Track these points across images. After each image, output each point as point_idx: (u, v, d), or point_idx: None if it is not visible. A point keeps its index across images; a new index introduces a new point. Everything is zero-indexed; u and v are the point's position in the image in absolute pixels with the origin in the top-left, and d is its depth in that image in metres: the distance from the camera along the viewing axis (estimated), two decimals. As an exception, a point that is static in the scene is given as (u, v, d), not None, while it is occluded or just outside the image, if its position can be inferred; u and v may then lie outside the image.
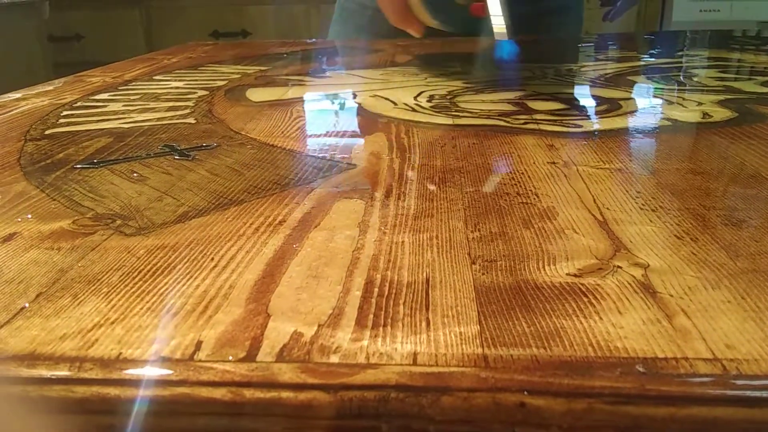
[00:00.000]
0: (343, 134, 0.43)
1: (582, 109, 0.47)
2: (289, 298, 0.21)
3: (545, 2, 0.92)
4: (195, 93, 0.58)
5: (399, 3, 0.62)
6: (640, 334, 0.18)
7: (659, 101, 0.47)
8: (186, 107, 0.52)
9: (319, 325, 0.19)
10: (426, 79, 0.63)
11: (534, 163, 0.35)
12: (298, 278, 0.22)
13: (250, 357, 0.18)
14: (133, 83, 0.65)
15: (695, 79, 0.58)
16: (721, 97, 0.49)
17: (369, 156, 0.37)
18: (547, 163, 0.35)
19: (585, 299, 0.20)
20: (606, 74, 0.61)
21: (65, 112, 0.52)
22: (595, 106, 0.48)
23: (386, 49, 0.89)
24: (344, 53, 0.91)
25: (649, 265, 0.22)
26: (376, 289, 0.21)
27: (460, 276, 0.22)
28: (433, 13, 0.61)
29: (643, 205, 0.28)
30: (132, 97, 0.57)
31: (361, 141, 0.41)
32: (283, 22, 2.04)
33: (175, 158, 0.38)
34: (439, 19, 0.61)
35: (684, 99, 0.48)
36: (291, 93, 0.58)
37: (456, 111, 0.49)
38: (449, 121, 0.46)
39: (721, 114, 0.44)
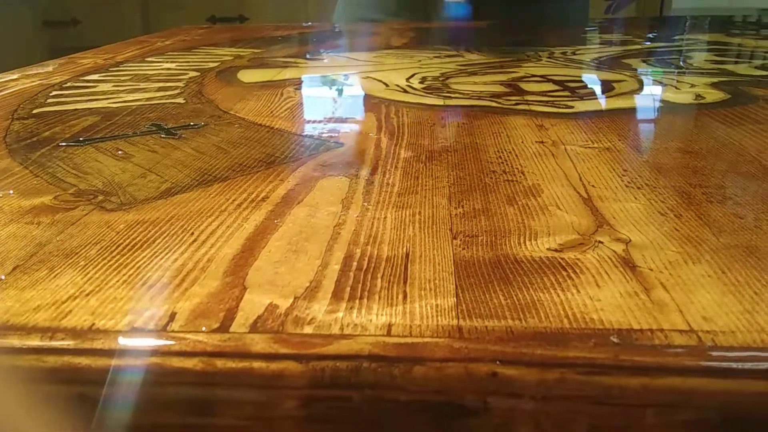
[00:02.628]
0: (332, 114, 0.42)
1: (574, 91, 0.47)
2: (267, 272, 0.21)
3: None
4: (186, 74, 0.58)
5: None
6: (616, 307, 0.18)
7: (653, 83, 0.47)
8: (176, 87, 0.52)
9: (295, 298, 0.19)
10: (420, 61, 0.62)
11: (522, 142, 0.35)
12: (278, 252, 0.22)
13: (224, 328, 0.17)
14: (125, 65, 0.65)
15: (690, 62, 0.57)
16: (715, 80, 0.49)
17: (357, 135, 0.37)
18: (536, 142, 0.35)
19: (564, 273, 0.20)
20: (601, 57, 0.60)
21: (54, 92, 0.51)
22: (588, 88, 0.47)
23: (382, 32, 0.89)
24: (339, 36, 0.90)
25: (630, 241, 0.22)
26: (355, 263, 0.21)
27: (440, 251, 0.22)
28: None
29: (629, 182, 0.28)
30: (122, 78, 0.57)
31: (350, 120, 0.41)
32: (280, 7, 2.03)
33: (161, 137, 0.38)
34: None
35: (678, 81, 0.47)
36: (283, 74, 0.57)
37: (448, 92, 0.48)
38: (440, 101, 0.45)
39: (713, 96, 0.44)
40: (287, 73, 0.58)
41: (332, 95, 0.50)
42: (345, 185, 0.29)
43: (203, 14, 2.08)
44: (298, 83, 0.54)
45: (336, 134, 0.37)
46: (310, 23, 1.04)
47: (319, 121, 0.41)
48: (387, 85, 0.51)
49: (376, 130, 0.38)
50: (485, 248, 0.22)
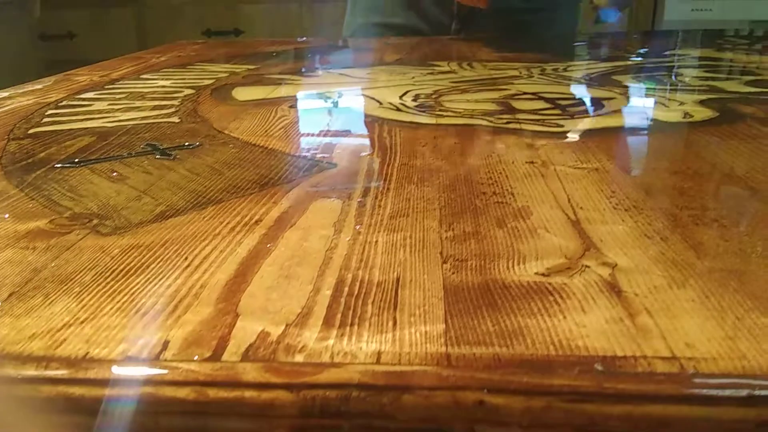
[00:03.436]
0: (326, 133, 0.43)
1: (564, 109, 0.47)
2: (259, 298, 0.21)
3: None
4: (181, 92, 0.58)
5: None
6: (601, 333, 0.18)
7: (642, 101, 0.48)
8: (171, 106, 0.52)
9: (286, 325, 0.19)
10: (413, 78, 0.63)
11: (513, 162, 0.35)
12: (270, 278, 0.22)
13: (216, 356, 0.18)
14: (120, 82, 0.65)
15: (680, 78, 0.58)
16: (704, 97, 0.49)
17: (350, 155, 0.38)
18: (526, 162, 0.35)
19: (551, 298, 0.20)
20: (592, 74, 0.61)
21: (50, 111, 0.52)
22: (578, 106, 0.48)
23: (376, 47, 0.90)
24: (333, 52, 0.91)
25: (617, 265, 0.23)
26: (347, 289, 0.22)
27: (431, 275, 0.22)
28: None
29: (617, 204, 0.29)
30: (118, 96, 0.57)
31: (343, 140, 0.41)
32: (276, 21, 2.04)
33: (156, 157, 0.38)
34: None
35: (667, 99, 0.48)
36: (277, 92, 0.58)
37: (440, 110, 0.49)
38: (432, 120, 0.46)
39: (702, 114, 0.44)
40: (282, 91, 0.59)
41: (326, 114, 0.50)
42: (338, 207, 0.29)
43: (198, 28, 2.09)
44: (292, 101, 0.54)
45: (329, 154, 0.38)
46: (304, 38, 1.05)
47: (313, 141, 0.41)
48: (380, 102, 0.52)
49: (369, 150, 0.38)
50: (474, 273, 0.22)
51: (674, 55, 0.72)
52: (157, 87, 0.61)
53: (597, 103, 0.48)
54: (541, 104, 0.49)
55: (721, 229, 0.26)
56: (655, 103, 0.47)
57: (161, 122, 0.47)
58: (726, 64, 0.65)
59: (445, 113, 0.48)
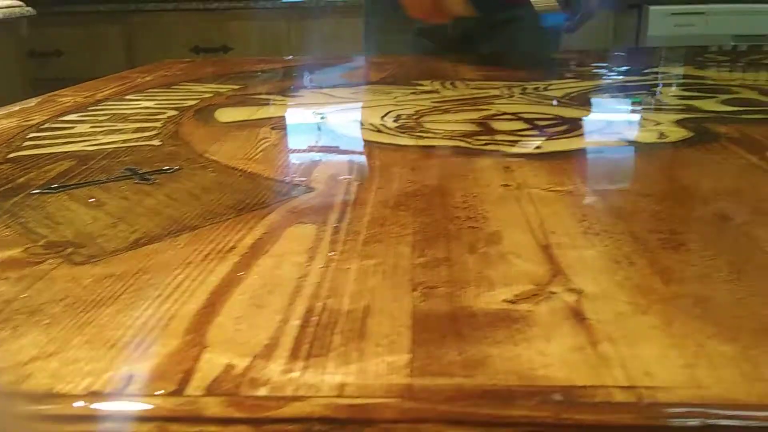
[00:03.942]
0: (306, 156, 0.43)
1: (542, 130, 0.48)
2: (227, 329, 0.21)
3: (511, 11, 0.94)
4: (164, 113, 0.59)
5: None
6: (563, 362, 0.19)
7: (619, 121, 0.48)
8: (153, 128, 0.53)
9: (253, 357, 0.19)
10: (396, 98, 0.63)
11: (488, 185, 0.35)
12: (240, 307, 0.23)
13: (179, 391, 0.18)
14: (104, 103, 0.65)
15: (658, 97, 0.59)
16: (680, 117, 0.50)
17: (328, 179, 0.38)
18: (501, 185, 0.35)
19: (516, 326, 0.21)
20: (572, 93, 0.62)
21: (31, 134, 0.52)
22: (556, 127, 0.49)
23: (362, 66, 0.90)
24: (319, 71, 0.92)
25: (583, 291, 0.23)
26: (315, 319, 0.22)
27: (400, 303, 0.23)
28: None
29: (587, 228, 0.29)
30: (100, 118, 0.57)
31: (323, 163, 0.42)
32: (264, 38, 2.05)
33: (135, 182, 0.38)
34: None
35: (643, 118, 0.49)
36: (260, 113, 0.58)
37: (420, 132, 0.49)
38: (412, 142, 0.46)
39: (677, 134, 0.45)
40: (265, 112, 0.59)
41: (308, 135, 0.50)
42: (313, 233, 0.29)
43: (187, 45, 2.10)
44: (274, 123, 0.55)
45: (307, 178, 0.38)
46: (290, 57, 1.06)
47: (293, 164, 0.41)
48: (362, 123, 0.52)
49: (347, 173, 0.39)
50: (443, 300, 0.23)
51: (654, 73, 0.73)
52: (141, 108, 0.62)
53: (574, 123, 0.49)
54: (519, 125, 0.50)
55: (688, 253, 0.26)
56: (632, 123, 0.47)
57: (142, 145, 0.47)
58: (705, 83, 0.66)
59: (425, 134, 0.48)
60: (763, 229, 0.28)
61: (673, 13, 1.79)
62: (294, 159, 0.43)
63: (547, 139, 0.45)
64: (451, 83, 0.71)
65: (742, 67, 0.78)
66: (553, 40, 1.00)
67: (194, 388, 0.18)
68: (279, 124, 0.55)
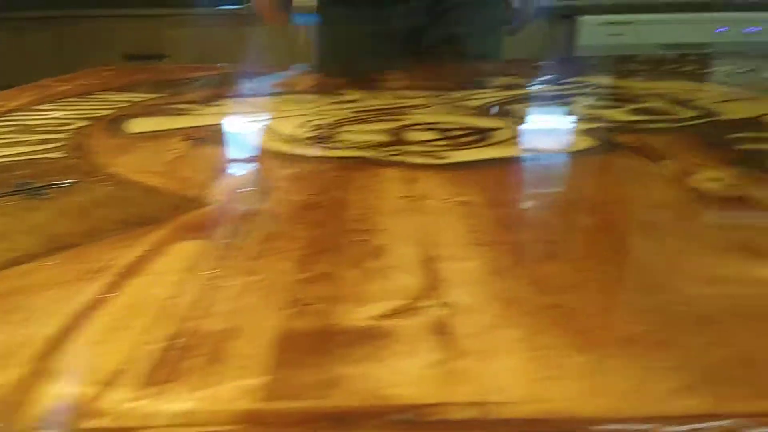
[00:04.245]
0: (212, 168, 0.42)
1: (454, 140, 0.48)
2: (79, 355, 0.20)
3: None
4: (73, 124, 0.57)
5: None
6: (420, 379, 0.19)
7: (529, 130, 0.49)
8: (59, 140, 0.51)
9: (100, 385, 0.19)
10: (317, 107, 0.63)
11: (388, 197, 0.35)
12: (99, 331, 0.22)
13: (17, 424, 0.17)
14: (14, 113, 0.63)
15: (572, 107, 0.60)
16: (588, 126, 0.51)
17: (229, 192, 0.37)
18: (401, 197, 0.35)
19: (379, 343, 0.20)
20: (491, 103, 0.62)
21: (-76, 148, 0.49)
22: (467, 137, 0.49)
23: (291, 75, 0.90)
24: (246, 79, 0.90)
25: (455, 304, 0.23)
26: (178, 341, 0.21)
27: (271, 322, 0.22)
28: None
29: (475, 240, 0.29)
30: (5, 130, 0.55)
31: (227, 175, 0.41)
32: (204, 45, 2.01)
33: (27, 197, 0.37)
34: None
35: (552, 128, 0.50)
36: (175, 123, 0.57)
37: (333, 142, 0.49)
38: (321, 153, 0.46)
39: (583, 143, 0.46)
40: (180, 122, 0.58)
41: (217, 147, 0.49)
42: (199, 250, 0.29)
43: (120, 51, 2.05)
44: (187, 133, 0.53)
45: (206, 191, 0.37)
46: (221, 65, 1.04)
47: (196, 177, 0.40)
48: (276, 134, 0.52)
49: (251, 185, 0.38)
50: (314, 318, 0.22)
51: (573, 83, 0.75)
52: (50, 119, 0.59)
53: (486, 133, 0.49)
54: (432, 135, 0.50)
55: (567, 263, 0.26)
56: (542, 132, 0.48)
57: (43, 158, 0.45)
58: (618, 92, 0.68)
59: (337, 145, 0.48)
60: (643, 238, 0.29)
61: (603, 23, 1.84)
62: (198, 171, 0.42)
63: (456, 150, 0.45)
64: (376, 92, 0.71)
65: (657, 76, 0.80)
66: (496, 39, 1.02)
67: (27, 421, 0.17)
68: (191, 135, 0.53)
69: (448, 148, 0.46)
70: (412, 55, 0.97)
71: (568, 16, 1.90)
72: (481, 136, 0.49)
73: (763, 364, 0.19)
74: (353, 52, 1.00)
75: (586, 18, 1.88)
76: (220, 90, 0.80)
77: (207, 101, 0.70)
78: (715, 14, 1.93)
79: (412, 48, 0.97)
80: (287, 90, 0.76)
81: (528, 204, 0.34)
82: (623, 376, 0.19)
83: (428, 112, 0.59)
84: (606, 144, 0.46)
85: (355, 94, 0.71)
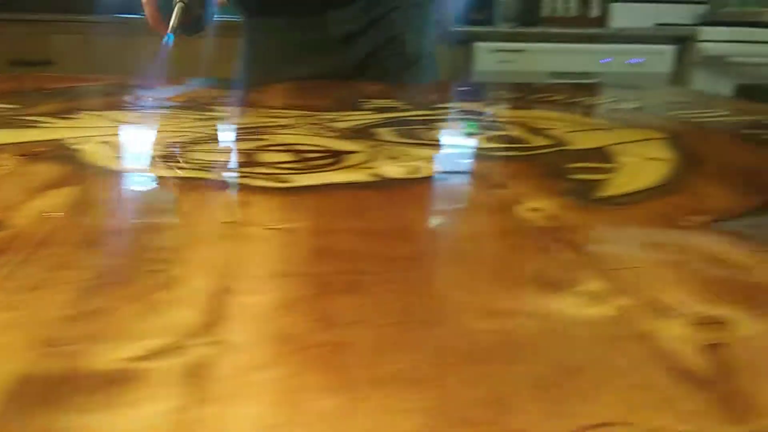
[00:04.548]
0: (33, 187, 0.39)
1: (305, 162, 0.47)
2: None
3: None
4: None
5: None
6: (150, 429, 0.17)
7: (380, 155, 0.49)
8: None
9: None
10: (181, 124, 0.61)
11: (207, 223, 0.34)
12: None
13: None
14: None
15: (429, 133, 0.61)
16: (442, 152, 0.52)
17: (35, 215, 0.34)
18: (223, 222, 0.34)
19: (124, 388, 0.19)
20: (358, 125, 0.62)
21: None
22: (320, 159, 0.48)
23: (170, 89, 0.86)
24: (119, 92, 0.86)
25: (226, 342, 0.22)
26: None
27: (9, 367, 0.20)
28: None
29: (282, 271, 0.28)
30: None
31: (45, 196, 0.38)
32: (94, 54, 1.93)
33: None
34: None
35: (406, 153, 0.50)
36: (18, 136, 0.53)
37: (180, 162, 0.47)
38: (161, 173, 0.44)
39: (428, 170, 0.46)
40: (25, 135, 0.54)
41: (51, 164, 0.46)
42: (-30, 281, 0.26)
43: (5, 57, 1.93)
44: (23, 149, 0.50)
45: (10, 213, 0.34)
46: (99, 75, 0.99)
47: (8, 198, 0.37)
48: (119, 151, 0.49)
49: (63, 209, 0.35)
50: (63, 360, 0.20)
51: (443, 108, 0.76)
52: None
53: (338, 156, 0.49)
54: (286, 157, 0.49)
55: (363, 296, 0.26)
56: (392, 158, 0.48)
57: None
58: (483, 119, 0.69)
59: (185, 166, 0.46)
60: (447, 269, 0.29)
61: (496, 50, 1.91)
62: (15, 191, 0.38)
63: (302, 173, 0.44)
64: (251, 110, 0.70)
65: (525, 104, 0.83)
66: (431, 38, 1.02)
67: None
68: (26, 151, 0.50)
69: (297, 171, 0.45)
70: (351, 61, 0.96)
71: (465, 42, 1.96)
72: (335, 160, 0.49)
73: (512, 407, 0.19)
74: (282, 64, 0.98)
75: (481, 45, 1.94)
76: (82, 102, 0.76)
77: (62, 114, 0.66)
78: (602, 46, 2.05)
79: (351, 54, 0.96)
80: (155, 104, 0.73)
81: (354, 231, 0.33)
82: (369, 419, 0.18)
83: (293, 132, 0.58)
84: (451, 171, 0.47)
85: (225, 112, 0.69)
